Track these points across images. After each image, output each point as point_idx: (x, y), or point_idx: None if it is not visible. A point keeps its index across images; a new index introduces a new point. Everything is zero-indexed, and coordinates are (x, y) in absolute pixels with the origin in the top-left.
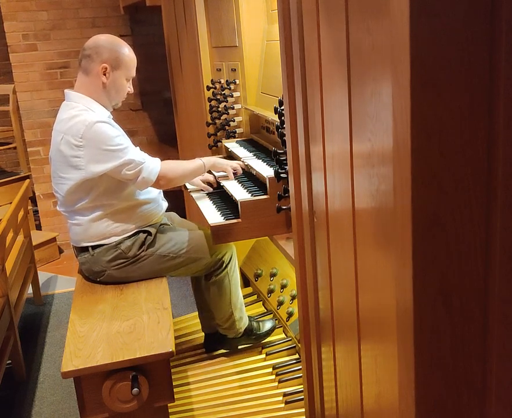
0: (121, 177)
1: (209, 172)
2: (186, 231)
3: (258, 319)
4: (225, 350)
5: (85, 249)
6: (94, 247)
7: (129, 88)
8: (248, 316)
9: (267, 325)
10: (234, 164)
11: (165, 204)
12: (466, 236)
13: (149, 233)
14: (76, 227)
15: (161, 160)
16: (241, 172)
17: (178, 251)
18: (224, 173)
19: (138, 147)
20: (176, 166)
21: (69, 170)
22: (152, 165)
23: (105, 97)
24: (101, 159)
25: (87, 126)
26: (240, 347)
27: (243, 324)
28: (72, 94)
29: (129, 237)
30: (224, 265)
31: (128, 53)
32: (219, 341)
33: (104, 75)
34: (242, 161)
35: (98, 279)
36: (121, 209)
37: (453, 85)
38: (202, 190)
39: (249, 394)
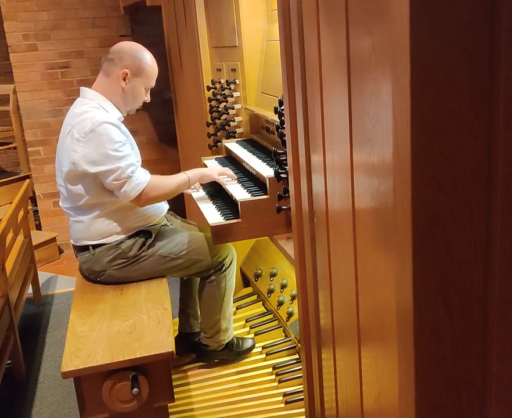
0: (107, 183)
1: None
2: (186, 233)
3: (239, 336)
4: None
5: (85, 248)
6: (95, 246)
7: (146, 97)
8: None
9: (248, 343)
10: (221, 169)
11: (166, 206)
12: (466, 236)
13: (150, 234)
14: (78, 225)
15: (162, 164)
16: (234, 175)
17: (179, 252)
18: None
19: (139, 158)
20: (160, 186)
21: (66, 163)
22: (138, 181)
23: (121, 101)
24: (95, 161)
25: (94, 124)
26: (216, 360)
27: (227, 337)
28: (87, 91)
29: (130, 237)
30: (224, 268)
31: (150, 63)
32: (199, 351)
33: (124, 80)
34: (244, 164)
35: (98, 279)
36: (122, 207)
37: (453, 85)
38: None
39: (249, 394)
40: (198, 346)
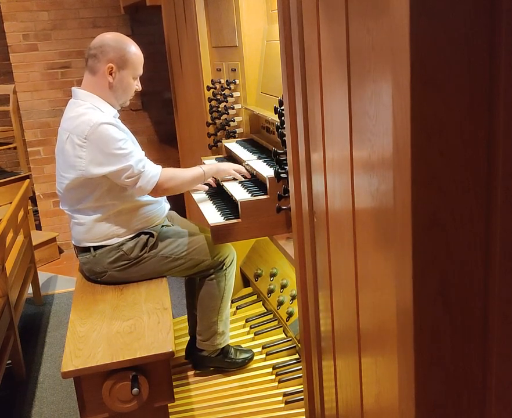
0: (120, 182)
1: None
2: (187, 233)
3: (237, 347)
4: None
5: (86, 249)
6: (96, 248)
7: (137, 86)
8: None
9: (245, 354)
10: (236, 166)
11: (167, 206)
12: (466, 236)
13: (151, 235)
14: (79, 227)
15: (162, 164)
16: (247, 173)
17: (180, 253)
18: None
19: (143, 152)
20: (174, 176)
21: (69, 169)
22: (151, 174)
23: (112, 97)
24: (103, 162)
25: (92, 127)
26: (211, 368)
27: (223, 341)
28: (79, 92)
29: (131, 238)
30: (224, 267)
31: (134, 51)
32: (194, 358)
33: (111, 74)
34: (244, 164)
35: (99, 279)
36: (124, 210)
37: (453, 85)
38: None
39: (249, 394)
40: (193, 352)
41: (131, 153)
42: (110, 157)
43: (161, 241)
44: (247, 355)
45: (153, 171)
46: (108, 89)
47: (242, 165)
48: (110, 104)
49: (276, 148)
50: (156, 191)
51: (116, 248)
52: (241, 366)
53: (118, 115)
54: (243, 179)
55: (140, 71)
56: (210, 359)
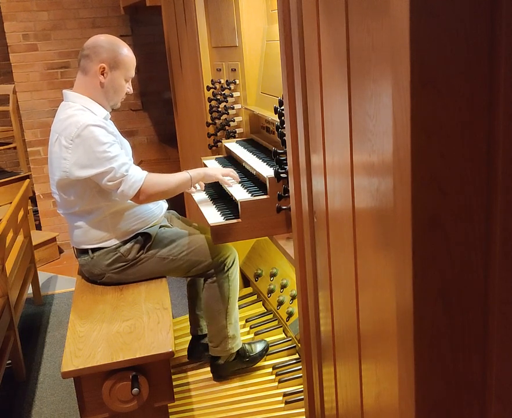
0: (102, 185)
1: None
2: (186, 234)
3: (249, 342)
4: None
5: (85, 251)
6: (94, 250)
7: (128, 89)
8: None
9: (260, 345)
10: (225, 170)
11: (165, 205)
12: (466, 236)
13: (149, 236)
14: (76, 230)
15: (162, 164)
16: (237, 177)
17: (178, 254)
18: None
19: (129, 158)
20: (159, 182)
21: (56, 171)
22: (134, 179)
23: (103, 97)
24: (86, 165)
25: (79, 129)
26: (232, 372)
27: (236, 345)
28: (70, 94)
29: (128, 240)
30: (226, 269)
31: (126, 53)
32: (212, 367)
33: (102, 74)
34: (241, 161)
35: (98, 281)
36: (120, 210)
37: (453, 85)
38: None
39: (249, 394)
40: (211, 362)
41: (115, 157)
42: (93, 160)
43: (159, 242)
44: (262, 346)
45: (137, 176)
46: (100, 88)
47: (243, 165)
48: (100, 104)
49: (276, 148)
50: (138, 197)
51: (113, 250)
52: (260, 358)
53: (110, 116)
54: (231, 185)
55: (132, 73)
56: (227, 365)
